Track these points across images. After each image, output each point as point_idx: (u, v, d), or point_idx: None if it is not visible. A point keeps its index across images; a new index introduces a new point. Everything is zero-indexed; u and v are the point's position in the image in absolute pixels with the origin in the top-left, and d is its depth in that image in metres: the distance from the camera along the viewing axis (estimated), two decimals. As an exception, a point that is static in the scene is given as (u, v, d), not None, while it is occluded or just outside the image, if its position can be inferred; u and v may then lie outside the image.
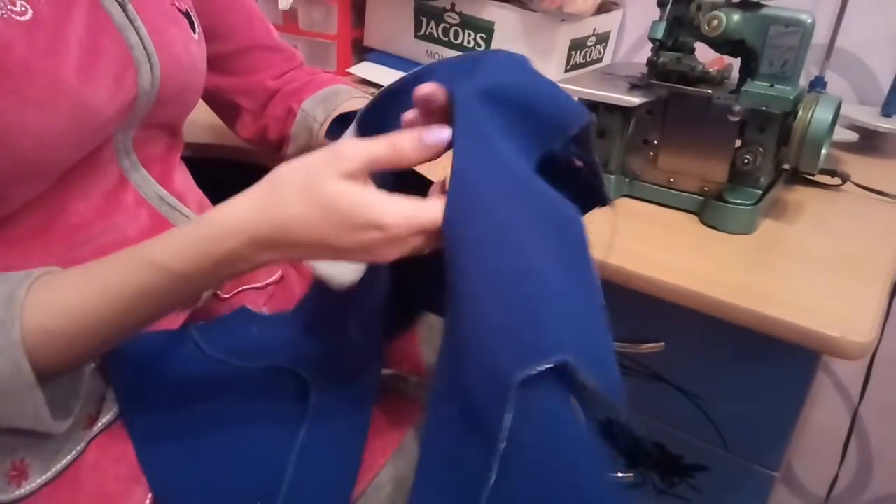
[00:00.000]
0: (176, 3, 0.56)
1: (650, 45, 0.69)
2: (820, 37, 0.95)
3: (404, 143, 0.39)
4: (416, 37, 1.10)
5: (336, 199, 0.37)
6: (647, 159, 0.72)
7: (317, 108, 0.70)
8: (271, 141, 0.73)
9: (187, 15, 0.57)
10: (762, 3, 0.63)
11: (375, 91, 0.71)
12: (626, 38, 1.13)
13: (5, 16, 0.41)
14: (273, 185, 0.38)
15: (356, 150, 0.38)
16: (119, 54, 0.47)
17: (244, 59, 0.70)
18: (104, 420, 0.47)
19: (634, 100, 0.67)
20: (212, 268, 0.39)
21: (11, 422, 0.41)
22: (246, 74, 0.71)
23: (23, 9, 0.42)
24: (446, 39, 1.07)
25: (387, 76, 1.09)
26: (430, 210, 0.38)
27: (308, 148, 0.67)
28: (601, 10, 1.04)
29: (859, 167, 0.83)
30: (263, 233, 0.38)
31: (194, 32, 0.58)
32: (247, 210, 0.38)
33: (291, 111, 0.70)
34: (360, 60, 1.14)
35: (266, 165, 0.80)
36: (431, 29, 1.08)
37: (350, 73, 1.11)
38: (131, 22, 0.49)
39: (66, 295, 0.40)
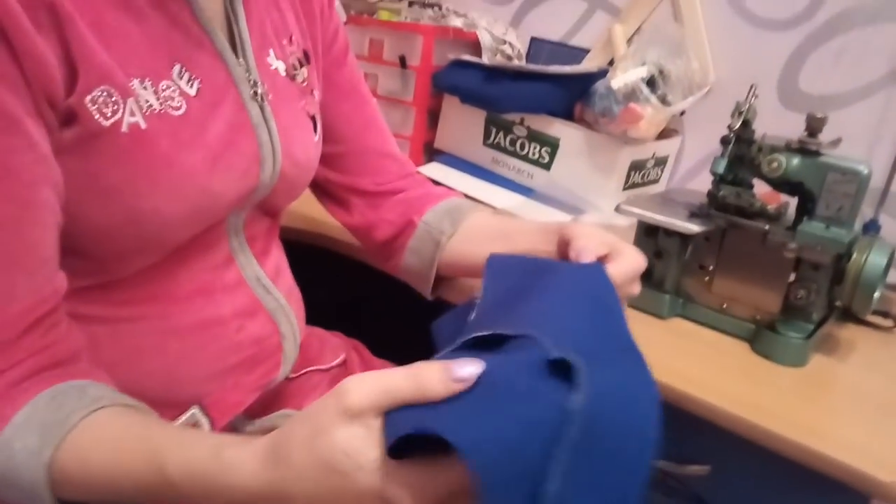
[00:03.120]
0: (306, 108, 0.62)
1: (705, 170, 0.74)
2: (875, 180, 0.99)
3: (430, 375, 0.34)
4: (485, 144, 1.18)
5: (337, 455, 0.33)
6: (703, 283, 0.76)
7: (443, 221, 0.71)
8: (376, 240, 0.74)
9: (313, 119, 0.64)
10: (821, 150, 0.67)
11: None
12: (684, 164, 1.18)
13: (163, 111, 0.47)
14: (279, 440, 0.36)
15: (363, 384, 0.34)
16: (250, 150, 0.54)
17: (358, 160, 0.73)
18: None
19: (694, 227, 0.71)
20: (208, 500, 0.39)
21: None
22: (358, 174, 0.73)
23: (179, 104, 0.48)
24: (513, 150, 1.15)
25: (453, 177, 1.17)
26: (445, 474, 0.33)
27: (432, 260, 0.69)
28: (662, 135, 1.10)
29: (913, 311, 0.84)
30: (264, 492, 0.36)
31: (315, 135, 0.64)
32: (251, 469, 0.37)
33: (411, 223, 0.71)
34: (430, 160, 1.22)
35: (352, 256, 0.85)
36: (500, 139, 1.16)
37: (419, 172, 1.19)
38: (266, 121, 0.55)
39: (94, 452, 0.42)
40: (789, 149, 0.69)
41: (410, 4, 1.31)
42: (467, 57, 1.16)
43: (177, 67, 0.49)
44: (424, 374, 0.34)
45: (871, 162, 0.66)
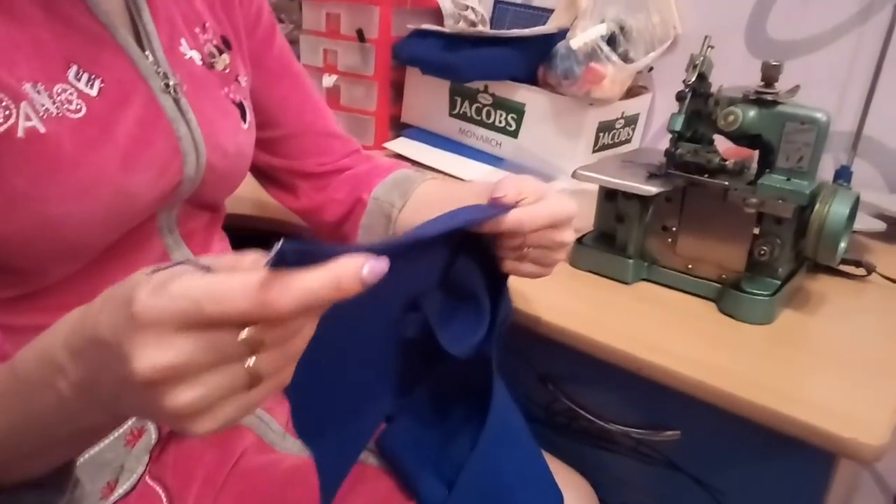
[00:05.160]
0: (231, 95, 0.60)
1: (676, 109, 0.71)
2: (847, 124, 0.96)
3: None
4: (451, 115, 1.15)
5: (129, 292, 0.28)
6: (666, 245, 0.74)
7: (392, 194, 0.70)
8: (327, 220, 0.74)
9: (240, 106, 0.62)
10: (778, 100, 0.65)
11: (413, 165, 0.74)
12: (656, 121, 1.16)
13: (60, 114, 0.45)
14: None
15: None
16: (167, 145, 0.52)
17: (297, 143, 0.72)
18: (121, 490, 0.49)
19: (651, 189, 0.69)
20: (35, 368, 0.34)
21: None
22: (300, 157, 0.72)
23: (78, 107, 0.46)
24: (479, 118, 1.12)
25: (421, 151, 1.14)
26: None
27: (386, 235, 0.69)
28: (630, 94, 1.07)
29: (887, 257, 0.82)
30: (77, 332, 0.31)
31: (245, 122, 0.62)
32: (70, 317, 0.33)
33: (360, 201, 0.71)
34: (398, 136, 1.19)
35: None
36: (465, 108, 1.13)
37: (386, 148, 1.16)
38: (183, 115, 0.53)
39: None
40: (746, 100, 0.66)
41: (365, -25, 1.27)
42: (426, 26, 1.12)
43: (73, 69, 0.46)
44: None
45: (843, 106, 0.63)
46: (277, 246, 0.27)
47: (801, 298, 0.73)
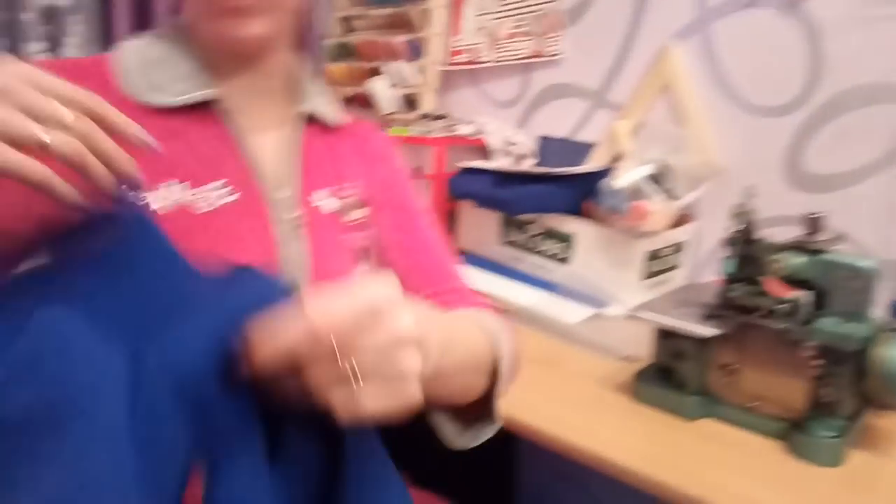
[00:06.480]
0: (351, 242, 0.67)
1: (720, 254, 0.74)
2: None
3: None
4: (502, 243, 1.22)
5: None
6: (728, 382, 0.75)
7: None
8: None
9: (362, 251, 0.68)
10: (824, 248, 0.68)
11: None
12: (704, 245, 1.19)
13: (204, 205, 0.57)
14: None
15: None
16: (267, 262, 0.60)
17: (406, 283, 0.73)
18: None
19: (708, 331, 0.72)
20: None
21: None
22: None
23: (209, 206, 0.58)
24: (531, 247, 1.18)
25: (478, 277, 1.20)
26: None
27: None
28: (676, 223, 1.12)
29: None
30: None
31: (362, 266, 0.67)
32: None
33: None
34: (452, 263, 1.26)
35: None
36: (516, 237, 1.20)
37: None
38: (296, 241, 0.61)
39: None
40: (793, 247, 0.70)
41: (421, 118, 1.39)
42: (475, 163, 1.21)
43: (220, 182, 0.59)
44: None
45: (889, 239, 0.66)
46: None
47: (871, 438, 0.72)
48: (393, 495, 0.44)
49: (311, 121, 0.68)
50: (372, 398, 0.36)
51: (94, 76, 0.59)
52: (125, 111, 0.51)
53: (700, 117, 1.14)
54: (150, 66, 0.60)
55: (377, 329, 0.36)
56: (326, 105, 0.70)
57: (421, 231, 0.76)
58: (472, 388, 0.58)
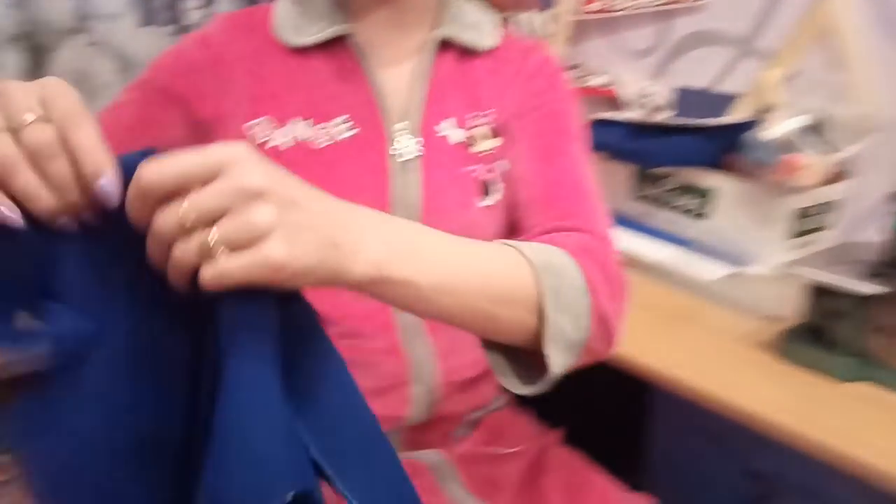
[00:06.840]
0: (475, 174, 0.65)
1: (885, 210, 0.69)
2: None
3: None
4: (635, 198, 1.19)
5: None
6: (889, 344, 0.71)
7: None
8: None
9: (485, 184, 0.66)
10: None
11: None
12: (859, 205, 1.11)
13: (324, 140, 0.62)
14: None
15: None
16: (377, 191, 0.63)
17: (522, 216, 0.67)
18: None
19: (871, 289, 0.68)
20: None
21: None
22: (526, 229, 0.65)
23: (325, 141, 0.63)
24: (665, 202, 1.15)
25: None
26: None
27: None
28: (831, 179, 1.05)
29: None
30: None
31: (483, 199, 0.65)
32: None
33: None
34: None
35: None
36: (650, 191, 1.17)
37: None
38: (406, 173, 0.63)
39: None
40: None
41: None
42: (608, 115, 1.19)
43: (343, 117, 0.63)
44: None
45: None
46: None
47: None
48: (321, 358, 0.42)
49: (447, 46, 0.66)
50: (230, 259, 0.34)
51: (259, 25, 0.65)
52: (276, 55, 0.61)
53: (865, 63, 1.04)
54: (296, 9, 0.65)
55: (220, 181, 0.34)
56: (467, 29, 0.67)
57: (564, 158, 0.69)
58: (510, 322, 0.50)
